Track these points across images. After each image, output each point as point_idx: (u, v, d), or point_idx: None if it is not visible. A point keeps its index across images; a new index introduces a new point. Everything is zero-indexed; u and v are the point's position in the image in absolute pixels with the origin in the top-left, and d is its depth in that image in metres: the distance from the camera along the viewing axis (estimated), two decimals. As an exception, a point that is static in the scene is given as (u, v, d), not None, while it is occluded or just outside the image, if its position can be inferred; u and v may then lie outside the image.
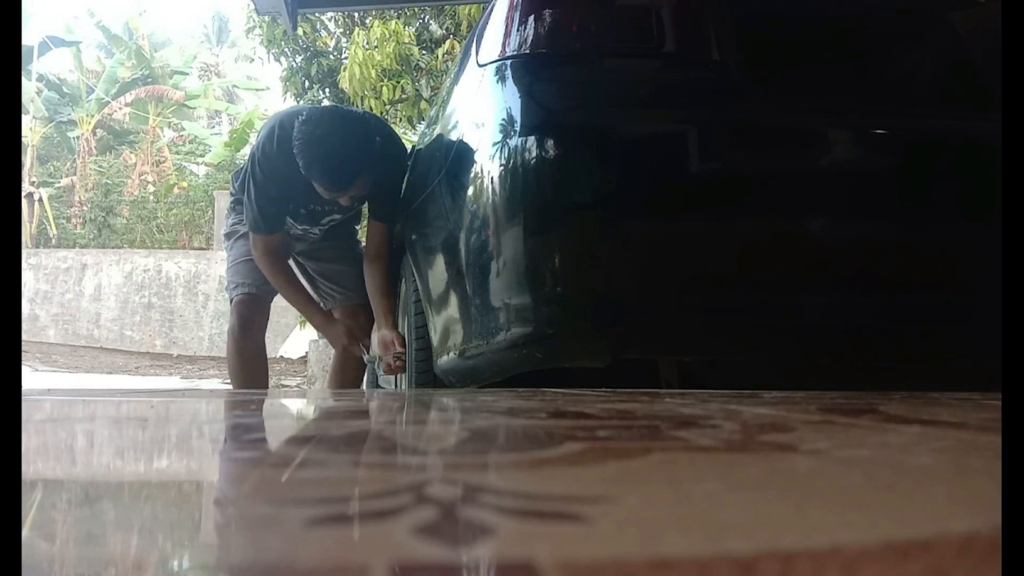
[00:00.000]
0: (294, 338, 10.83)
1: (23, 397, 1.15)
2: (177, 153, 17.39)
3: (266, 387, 2.54)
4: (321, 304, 2.56)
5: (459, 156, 1.69)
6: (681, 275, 1.47)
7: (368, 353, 2.38)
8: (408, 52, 6.65)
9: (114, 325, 11.96)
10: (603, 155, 1.48)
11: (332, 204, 2.19)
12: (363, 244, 2.42)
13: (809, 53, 1.61)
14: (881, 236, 1.50)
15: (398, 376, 2.27)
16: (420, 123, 6.32)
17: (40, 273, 12.07)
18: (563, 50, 1.58)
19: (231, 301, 2.40)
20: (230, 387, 2.53)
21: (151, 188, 15.23)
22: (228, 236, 2.46)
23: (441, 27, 7.00)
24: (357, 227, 2.65)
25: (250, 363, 2.38)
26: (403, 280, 2.23)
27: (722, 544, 0.37)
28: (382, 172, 2.09)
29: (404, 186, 2.25)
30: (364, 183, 2.04)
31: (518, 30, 1.58)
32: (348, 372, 2.53)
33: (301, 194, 2.15)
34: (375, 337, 2.29)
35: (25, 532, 0.40)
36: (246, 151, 14.54)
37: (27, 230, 13.69)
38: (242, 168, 2.39)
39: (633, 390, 1.43)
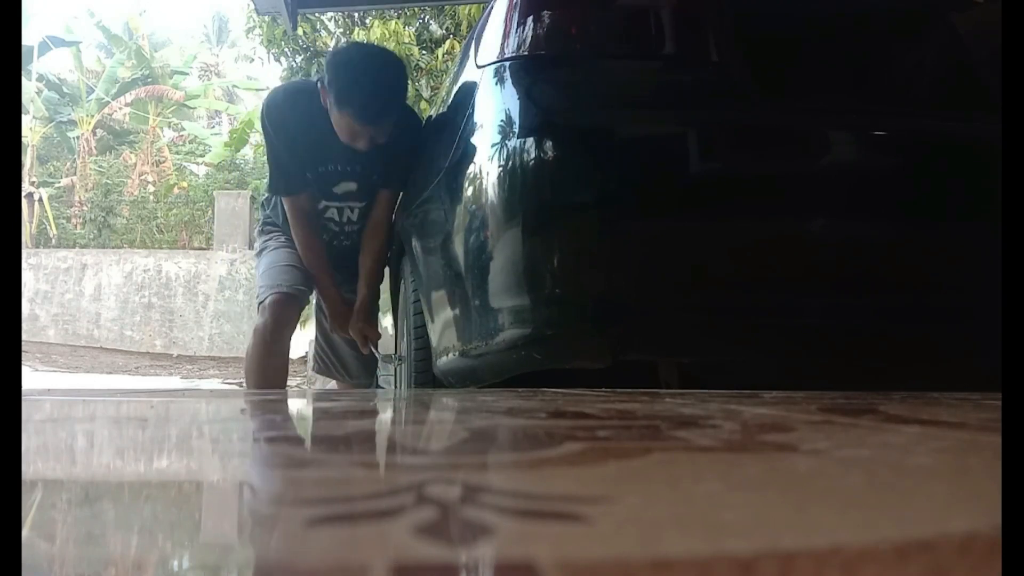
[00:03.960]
0: (294, 338, 10.83)
1: (23, 397, 1.15)
2: (177, 153, 17.40)
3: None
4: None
5: (458, 157, 1.69)
6: (681, 275, 1.47)
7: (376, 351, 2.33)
8: (408, 52, 6.66)
9: (114, 325, 11.96)
10: (602, 156, 1.48)
11: (345, 162, 2.11)
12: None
13: (809, 53, 1.61)
14: (881, 236, 1.50)
15: (398, 376, 2.26)
16: (420, 123, 6.31)
17: (40, 273, 12.07)
18: (562, 51, 1.58)
19: (262, 303, 2.24)
20: (230, 387, 2.52)
21: (151, 188, 15.23)
22: (259, 254, 2.39)
23: (441, 27, 7.01)
24: None
25: (276, 364, 2.24)
26: (403, 280, 2.23)
27: (722, 544, 0.37)
28: (402, 127, 2.05)
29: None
30: (389, 127, 1.98)
31: (517, 31, 1.58)
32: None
33: (313, 152, 2.09)
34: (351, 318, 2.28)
35: (25, 532, 0.40)
36: (246, 151, 14.57)
37: (27, 230, 13.69)
38: (271, 196, 2.36)
39: (633, 390, 1.42)
